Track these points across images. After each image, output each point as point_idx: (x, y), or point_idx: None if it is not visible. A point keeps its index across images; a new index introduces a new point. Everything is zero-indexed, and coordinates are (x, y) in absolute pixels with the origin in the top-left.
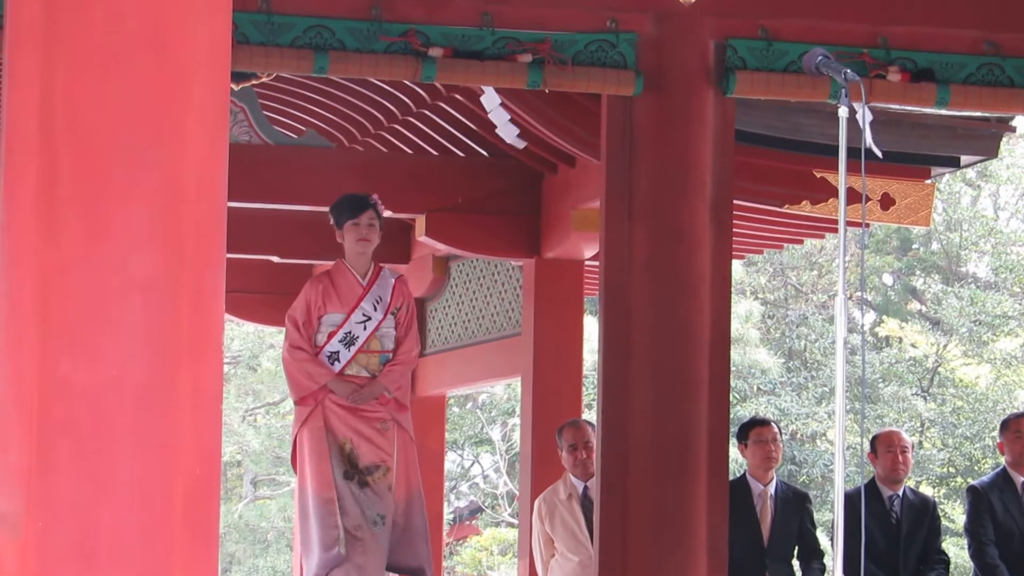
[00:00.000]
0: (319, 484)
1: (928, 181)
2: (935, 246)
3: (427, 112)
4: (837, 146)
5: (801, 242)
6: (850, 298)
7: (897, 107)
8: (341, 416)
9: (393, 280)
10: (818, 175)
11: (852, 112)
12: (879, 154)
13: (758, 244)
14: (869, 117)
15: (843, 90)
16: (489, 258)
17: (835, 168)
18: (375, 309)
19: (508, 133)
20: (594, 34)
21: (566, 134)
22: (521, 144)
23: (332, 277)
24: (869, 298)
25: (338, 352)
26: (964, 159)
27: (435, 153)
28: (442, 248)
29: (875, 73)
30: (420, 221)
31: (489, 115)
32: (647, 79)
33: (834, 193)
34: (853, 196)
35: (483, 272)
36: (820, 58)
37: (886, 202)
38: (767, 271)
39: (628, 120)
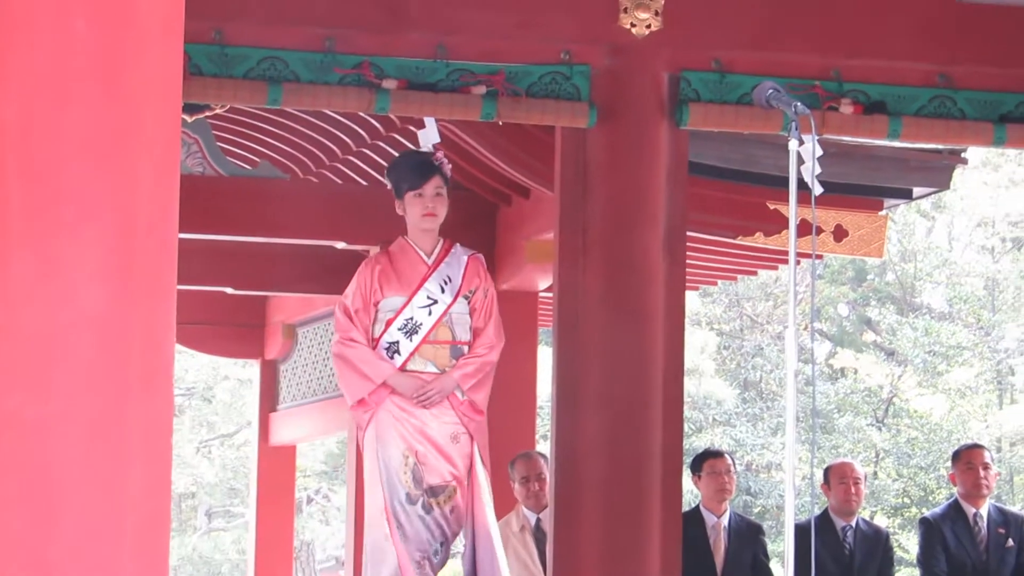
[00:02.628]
0: (380, 509)
1: (881, 213)
2: (890, 277)
3: (381, 144)
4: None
5: (755, 273)
6: (805, 329)
7: (850, 139)
8: (405, 422)
9: (466, 258)
10: (771, 207)
11: (803, 144)
12: (816, 190)
13: (712, 275)
14: (818, 152)
15: (793, 123)
16: None
17: (788, 200)
18: (442, 291)
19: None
20: (548, 66)
21: (520, 165)
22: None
23: (391, 256)
24: (824, 329)
25: (398, 342)
26: (917, 191)
27: (390, 185)
28: None
29: (828, 105)
30: (374, 253)
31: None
32: (601, 111)
33: (787, 225)
34: (805, 228)
35: None
36: (770, 91)
37: (839, 234)
38: (723, 302)
39: (582, 152)
